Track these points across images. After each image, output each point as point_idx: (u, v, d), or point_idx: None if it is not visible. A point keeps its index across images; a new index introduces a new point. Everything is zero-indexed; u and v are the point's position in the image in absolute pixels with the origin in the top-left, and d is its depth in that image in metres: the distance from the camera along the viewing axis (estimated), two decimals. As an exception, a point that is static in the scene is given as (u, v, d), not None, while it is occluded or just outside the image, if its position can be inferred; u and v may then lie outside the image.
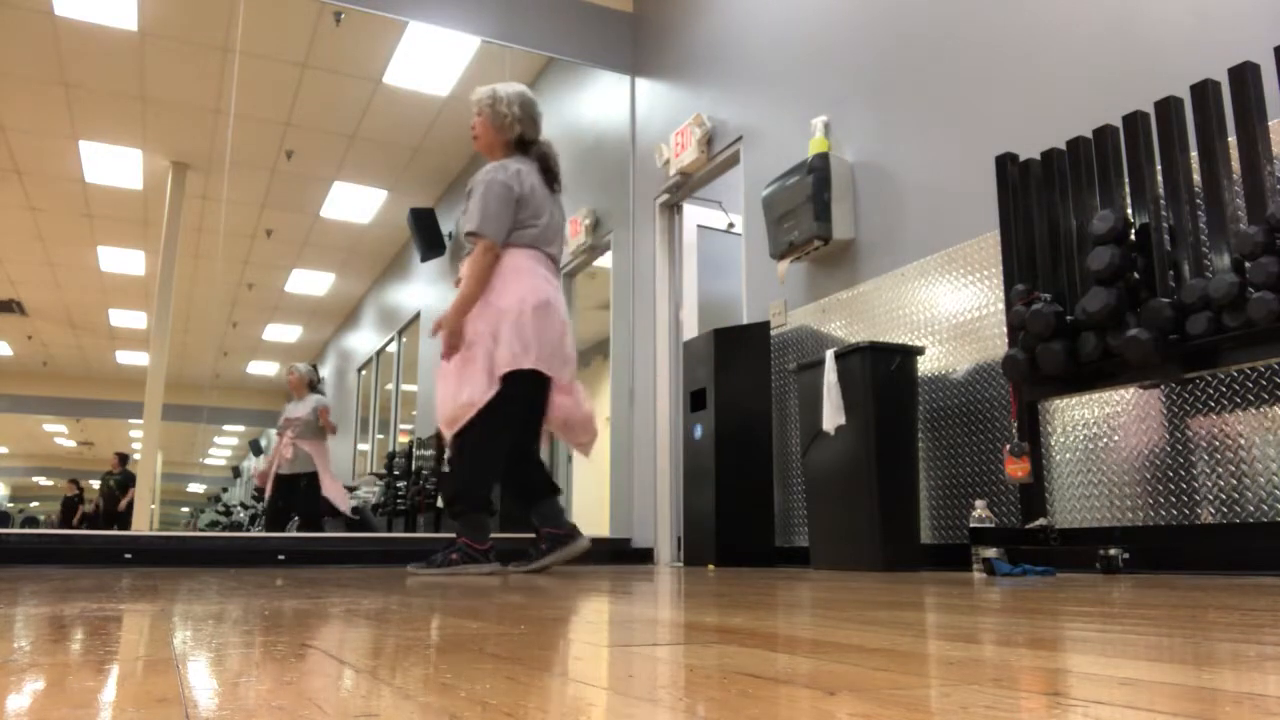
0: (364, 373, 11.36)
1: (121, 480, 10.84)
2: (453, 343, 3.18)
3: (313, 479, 6.75)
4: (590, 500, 6.74)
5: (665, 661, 0.78)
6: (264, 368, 12.53)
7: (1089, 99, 3.14)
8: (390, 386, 10.46)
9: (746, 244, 5.00)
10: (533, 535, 3.32)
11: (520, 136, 3.39)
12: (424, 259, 8.69)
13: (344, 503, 6.76)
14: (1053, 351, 2.80)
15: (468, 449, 3.17)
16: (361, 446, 11.51)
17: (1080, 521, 3.00)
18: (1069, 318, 2.82)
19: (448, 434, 3.20)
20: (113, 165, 7.87)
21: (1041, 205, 3.04)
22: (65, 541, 4.41)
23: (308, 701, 0.58)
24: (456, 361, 3.20)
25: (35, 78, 6.73)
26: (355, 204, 8.95)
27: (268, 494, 6.80)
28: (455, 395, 3.16)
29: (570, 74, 6.89)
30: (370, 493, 9.29)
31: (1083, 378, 2.83)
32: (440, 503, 3.56)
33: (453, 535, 3.24)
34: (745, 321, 4.89)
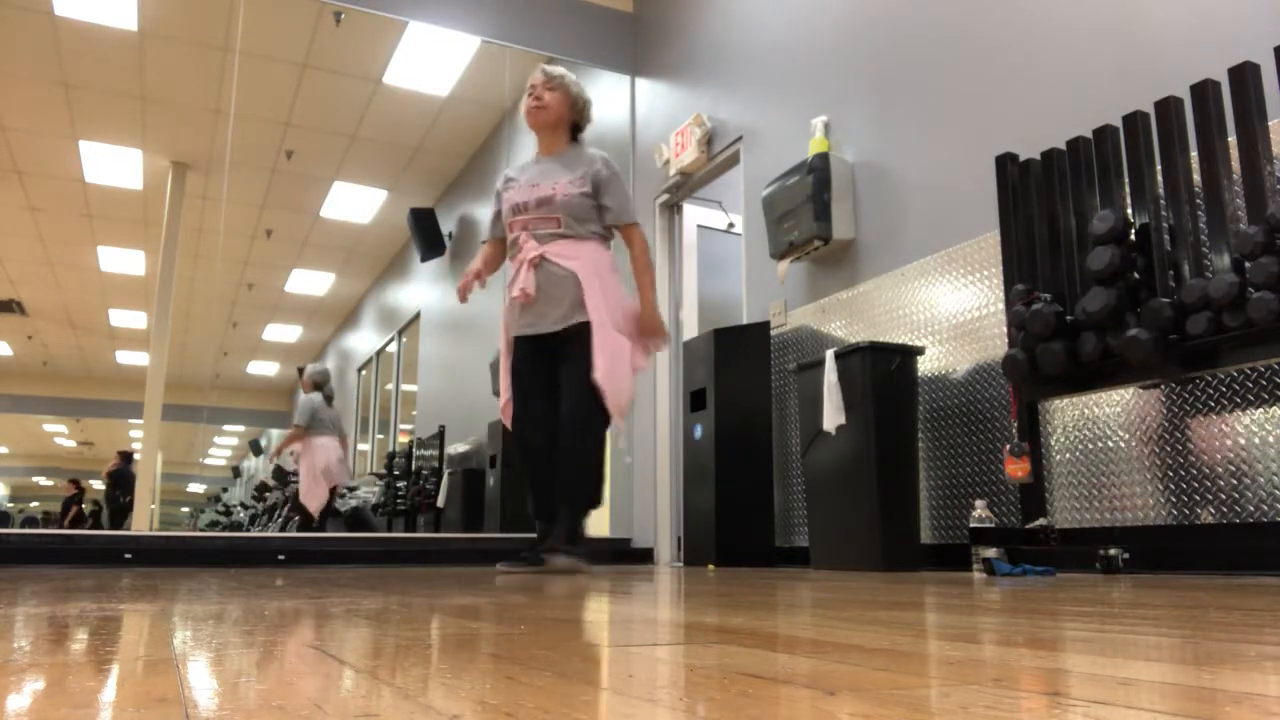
0: (364, 373, 11.36)
1: (126, 484, 10.83)
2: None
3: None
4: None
5: (665, 661, 0.78)
6: (264, 368, 12.53)
7: (1089, 99, 3.14)
8: (390, 386, 10.46)
9: (746, 244, 5.00)
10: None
11: (582, 124, 3.49)
12: (424, 259, 8.69)
13: (313, 506, 6.79)
14: (1053, 351, 2.80)
15: (603, 440, 3.25)
16: (361, 446, 11.50)
17: (1080, 521, 3.00)
18: (1069, 318, 2.82)
19: (620, 419, 3.22)
20: (113, 165, 7.87)
21: (1041, 205, 3.04)
22: (65, 541, 4.41)
23: (308, 701, 0.58)
24: (625, 351, 3.22)
25: (35, 78, 6.73)
26: (355, 204, 8.95)
27: None
28: (628, 379, 3.21)
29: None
30: (370, 493, 9.29)
31: (1083, 378, 2.83)
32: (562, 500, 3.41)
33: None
34: (745, 321, 4.88)
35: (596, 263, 3.23)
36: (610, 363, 3.15)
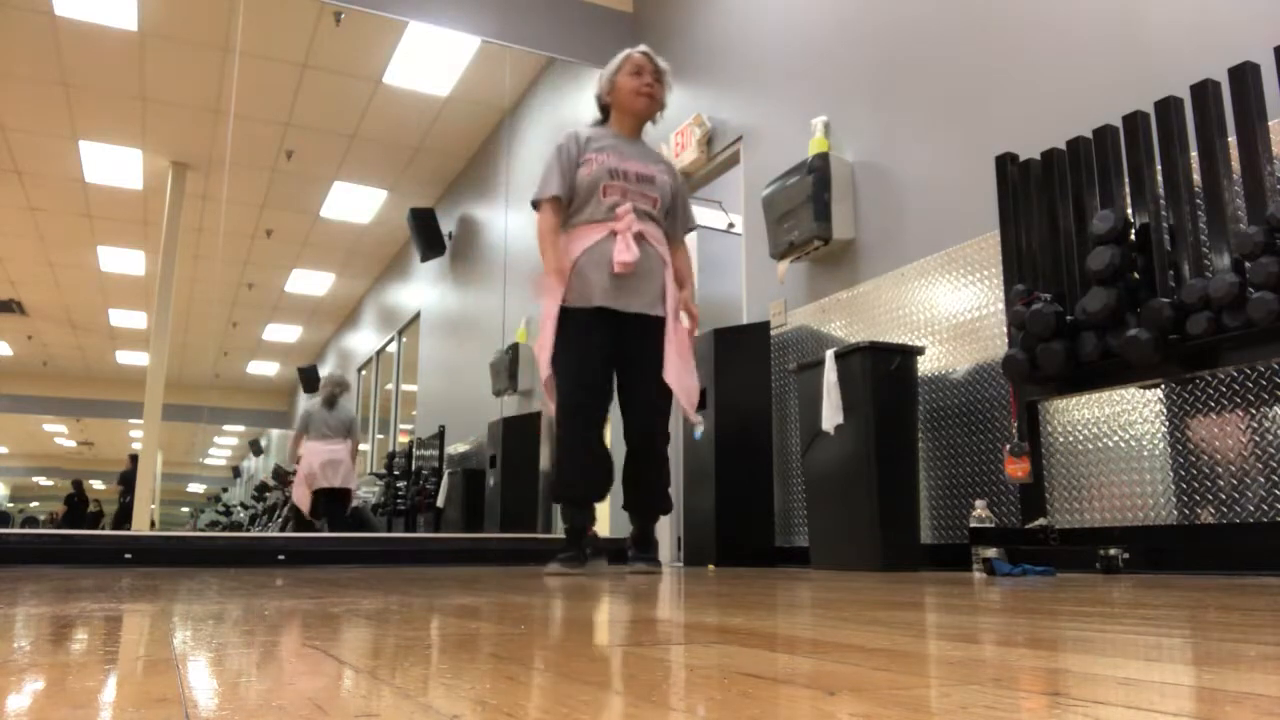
0: (364, 373, 11.36)
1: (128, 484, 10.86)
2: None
3: None
4: (590, 500, 6.75)
5: (665, 661, 0.78)
6: (264, 368, 12.52)
7: (1089, 99, 3.14)
8: (390, 386, 10.45)
9: (746, 244, 5.00)
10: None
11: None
12: (424, 259, 8.69)
13: (303, 506, 6.94)
14: (1053, 351, 2.80)
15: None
16: (361, 446, 11.49)
17: (1080, 521, 3.00)
18: (1069, 318, 2.82)
19: (695, 417, 3.26)
20: (113, 165, 7.86)
21: (1041, 205, 3.04)
22: (65, 541, 4.41)
23: (308, 701, 0.58)
24: (689, 342, 3.20)
25: (35, 78, 6.73)
26: (355, 204, 8.94)
27: None
28: (695, 375, 3.20)
29: (570, 74, 6.90)
30: (370, 493, 9.29)
31: (1083, 378, 2.83)
32: (649, 504, 3.35)
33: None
34: (745, 321, 4.88)
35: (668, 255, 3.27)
36: (681, 360, 3.13)
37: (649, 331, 3.14)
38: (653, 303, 3.14)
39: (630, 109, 3.30)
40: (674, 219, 3.32)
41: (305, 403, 7.17)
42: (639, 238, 3.10)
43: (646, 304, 3.12)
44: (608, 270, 3.07)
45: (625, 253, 3.03)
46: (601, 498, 3.20)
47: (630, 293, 3.09)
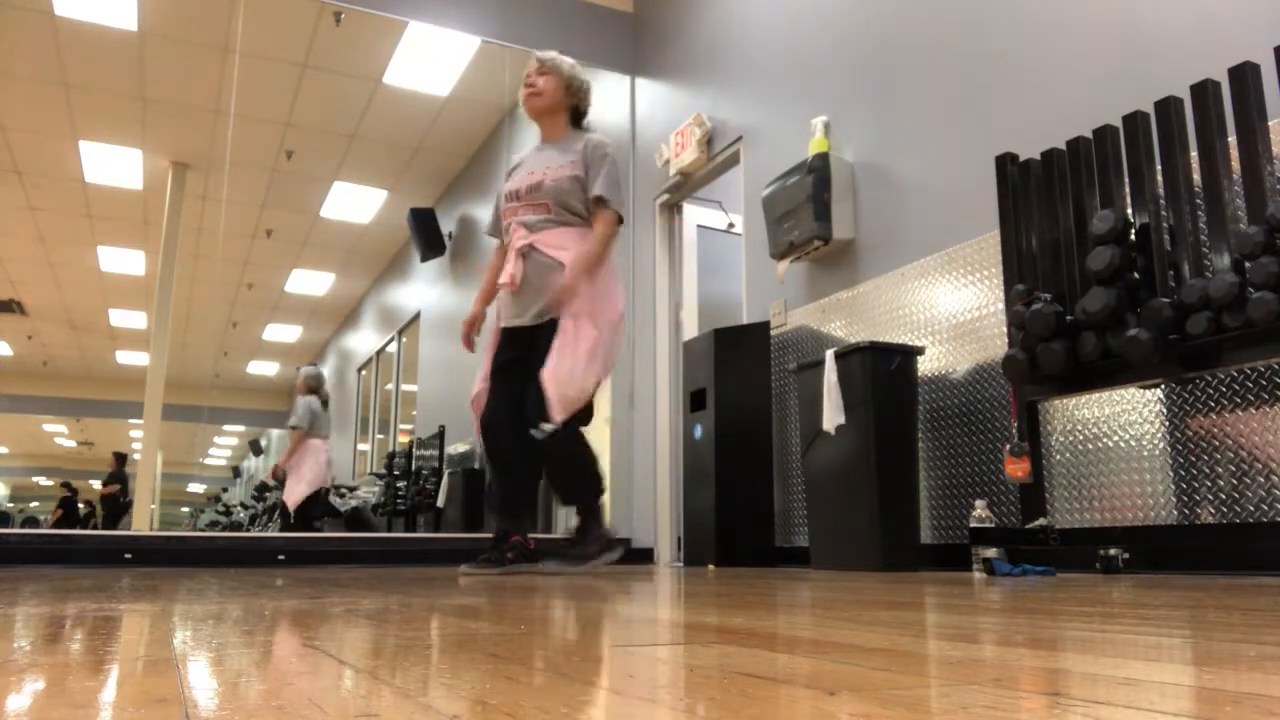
0: (364, 373, 11.35)
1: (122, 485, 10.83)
2: (576, 297, 3.06)
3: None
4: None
5: (665, 661, 0.78)
6: (264, 368, 12.52)
7: (1089, 99, 3.14)
8: (390, 386, 10.45)
9: (746, 244, 5.00)
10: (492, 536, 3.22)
11: (582, 108, 3.38)
12: (424, 259, 8.69)
13: (290, 502, 6.84)
14: (1053, 351, 2.80)
15: (578, 435, 3.13)
16: (361, 446, 11.50)
17: (1080, 521, 3.00)
18: (1069, 318, 2.82)
19: (561, 416, 3.00)
20: (113, 165, 7.86)
21: (1041, 205, 3.04)
22: (65, 541, 4.41)
23: (308, 701, 0.58)
24: (585, 339, 3.04)
25: (35, 78, 6.73)
26: (355, 204, 8.94)
27: None
28: (580, 375, 3.01)
29: (570, 74, 6.89)
30: (370, 493, 9.29)
31: (1083, 378, 2.83)
32: (558, 498, 3.32)
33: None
34: (745, 321, 4.88)
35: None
36: (562, 358, 3.00)
37: (546, 338, 3.10)
38: (544, 310, 3.14)
39: (529, 112, 3.35)
40: (590, 187, 3.22)
41: (305, 401, 7.11)
42: (528, 250, 3.17)
43: (537, 314, 3.16)
44: (507, 291, 3.23)
45: (503, 274, 3.23)
46: (512, 510, 3.19)
47: (524, 307, 3.19)
